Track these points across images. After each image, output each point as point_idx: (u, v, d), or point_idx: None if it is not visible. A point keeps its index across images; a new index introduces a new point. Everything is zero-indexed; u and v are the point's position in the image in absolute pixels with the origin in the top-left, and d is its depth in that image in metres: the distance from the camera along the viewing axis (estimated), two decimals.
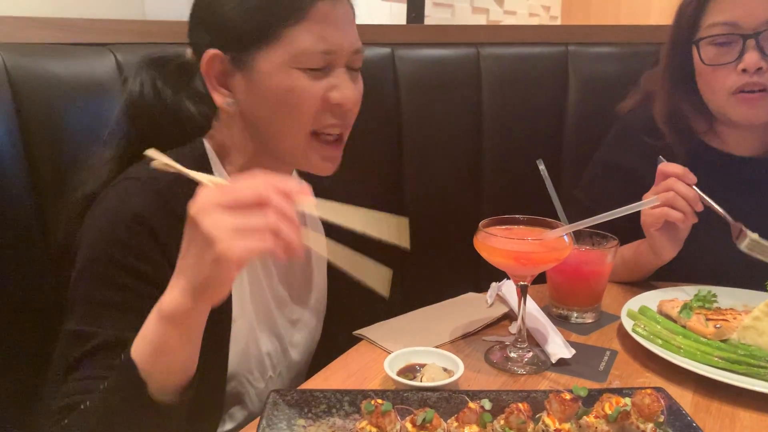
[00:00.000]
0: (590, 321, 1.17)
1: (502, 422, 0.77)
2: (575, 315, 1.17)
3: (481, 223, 1.00)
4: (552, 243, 0.96)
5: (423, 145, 1.74)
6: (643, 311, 1.13)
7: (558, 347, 1.03)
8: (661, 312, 1.14)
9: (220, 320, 0.92)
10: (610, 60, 1.81)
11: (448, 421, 0.77)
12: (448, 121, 1.76)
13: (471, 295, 1.28)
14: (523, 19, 4.22)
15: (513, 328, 1.12)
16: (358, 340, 1.09)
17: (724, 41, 1.21)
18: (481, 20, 3.68)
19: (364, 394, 0.84)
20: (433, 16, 3.06)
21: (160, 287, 0.75)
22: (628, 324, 1.08)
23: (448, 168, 1.77)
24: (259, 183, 0.69)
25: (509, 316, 1.17)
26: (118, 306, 0.83)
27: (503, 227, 1.01)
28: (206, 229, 0.67)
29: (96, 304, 0.84)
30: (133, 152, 0.94)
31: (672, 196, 1.14)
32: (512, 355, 1.02)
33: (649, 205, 0.92)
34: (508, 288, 1.21)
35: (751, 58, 1.17)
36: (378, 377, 0.96)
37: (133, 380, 0.73)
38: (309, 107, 0.92)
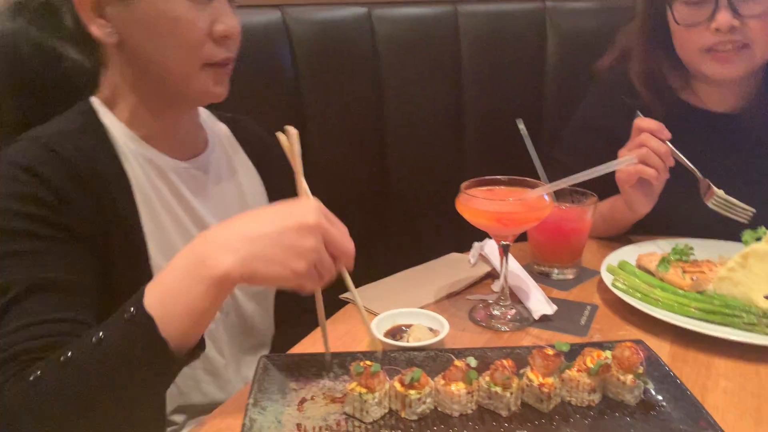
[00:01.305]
0: (571, 277, 1.20)
1: (487, 378, 0.79)
2: (556, 271, 1.20)
3: (463, 184, 1.00)
4: (533, 203, 0.97)
5: (403, 105, 1.73)
6: (623, 266, 1.16)
7: (540, 304, 1.05)
8: (639, 266, 1.17)
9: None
10: (588, 15, 1.80)
11: (435, 379, 0.80)
12: (428, 80, 1.75)
13: (454, 255, 1.30)
14: None
15: (496, 286, 1.14)
16: (344, 303, 1.11)
17: (697, 0, 1.21)
18: None
19: (353, 356, 0.86)
20: None
21: (61, 228, 0.82)
22: (607, 279, 1.11)
23: (430, 128, 1.77)
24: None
25: (492, 275, 1.19)
26: (27, 253, 0.82)
27: (485, 188, 1.02)
28: (309, 247, 0.75)
29: (6, 256, 0.82)
30: (26, 117, 0.94)
31: (645, 152, 1.15)
32: (495, 312, 1.05)
33: (625, 164, 0.93)
34: (490, 247, 1.23)
35: (724, 17, 1.17)
36: (366, 339, 0.98)
37: (152, 338, 0.72)
38: (196, 38, 0.90)
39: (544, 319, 1.04)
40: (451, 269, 1.22)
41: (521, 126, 1.21)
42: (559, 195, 1.20)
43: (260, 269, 0.74)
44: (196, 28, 0.89)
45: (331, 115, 1.68)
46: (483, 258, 1.23)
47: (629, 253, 1.20)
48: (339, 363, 0.86)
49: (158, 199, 0.96)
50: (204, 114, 1.11)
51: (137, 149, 0.95)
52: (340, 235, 0.78)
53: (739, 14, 1.18)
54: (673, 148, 1.18)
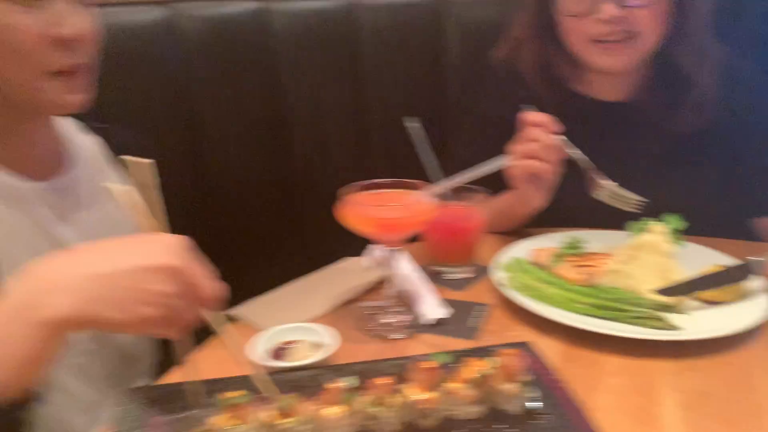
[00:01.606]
0: (466, 276, 1.17)
1: (367, 398, 0.75)
2: (451, 271, 1.17)
3: (342, 189, 0.96)
4: (417, 206, 0.94)
5: (303, 103, 1.68)
6: (516, 262, 1.14)
7: (431, 308, 1.02)
8: (533, 261, 1.16)
9: None
10: (490, 6, 1.78)
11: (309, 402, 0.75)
12: (327, 77, 1.69)
13: (348, 260, 1.25)
14: None
15: (388, 291, 1.10)
16: (233, 320, 1.05)
17: None
18: None
19: (222, 384, 0.80)
20: None
21: None
22: (498, 277, 1.09)
23: (332, 126, 1.72)
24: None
25: (388, 280, 1.16)
26: None
27: (368, 193, 0.98)
28: (161, 291, 0.65)
29: None
30: None
31: (535, 147, 1.14)
32: (387, 320, 1.01)
33: (503, 165, 0.91)
34: (385, 250, 1.19)
35: (609, 8, 1.17)
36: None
37: None
38: (30, 45, 0.81)
39: (437, 323, 1.01)
40: (346, 276, 1.17)
41: (411, 125, 1.17)
42: (452, 194, 1.18)
43: (102, 314, 0.64)
44: (28, 35, 0.80)
45: (225, 116, 1.60)
46: (378, 261, 1.19)
47: (523, 249, 1.19)
48: (209, 391, 0.80)
49: (10, 232, 0.86)
50: (69, 126, 1.01)
51: None
52: (203, 277, 0.69)
53: (625, 4, 1.17)
54: (565, 139, 1.16)
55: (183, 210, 1.62)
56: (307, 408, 0.73)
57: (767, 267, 0.99)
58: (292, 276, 1.19)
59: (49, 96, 0.85)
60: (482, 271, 1.18)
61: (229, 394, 0.72)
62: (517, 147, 1.15)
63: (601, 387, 0.85)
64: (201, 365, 0.82)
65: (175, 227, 1.60)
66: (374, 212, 0.91)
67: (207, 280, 0.70)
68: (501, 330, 1.00)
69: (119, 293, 0.65)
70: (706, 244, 1.18)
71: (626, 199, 1.17)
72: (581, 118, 1.34)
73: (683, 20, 1.23)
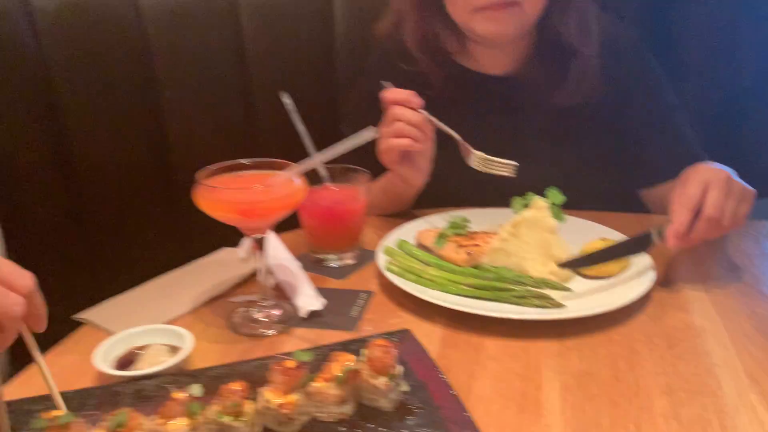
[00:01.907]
0: (351, 262, 1.10)
1: (217, 409, 0.66)
2: (334, 258, 1.09)
3: (199, 173, 0.86)
4: (281, 188, 0.85)
5: (180, 83, 1.55)
6: (401, 246, 1.08)
7: (307, 299, 0.94)
8: (419, 244, 1.10)
9: None
10: None
11: (151, 416, 0.65)
12: (207, 57, 1.57)
13: (224, 251, 1.15)
14: None
15: (265, 283, 1.01)
16: (79, 324, 0.93)
17: None
18: None
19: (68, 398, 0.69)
20: None
21: None
22: (383, 262, 1.02)
23: (216, 108, 1.61)
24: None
25: (261, 271, 1.07)
26: None
27: (230, 175, 0.88)
28: None
29: None
30: None
31: (399, 126, 1.08)
32: (257, 315, 0.92)
33: (367, 139, 0.84)
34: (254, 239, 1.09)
35: None
36: (95, 369, 0.81)
37: None
38: None
39: (313, 315, 0.93)
40: (218, 268, 1.07)
41: (287, 100, 1.09)
42: (332, 177, 1.10)
43: None
44: None
45: (92, 100, 1.46)
46: (249, 255, 1.10)
47: (409, 231, 1.13)
48: (38, 410, 0.69)
49: None
50: None
51: None
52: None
53: None
54: (428, 114, 1.10)
55: (48, 204, 1.47)
56: (145, 424, 0.64)
57: (666, 236, 0.96)
58: (180, 261, 1.08)
59: None
60: (367, 257, 1.11)
61: (47, 415, 0.61)
62: (383, 128, 1.09)
63: (482, 372, 0.80)
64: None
65: (41, 224, 1.43)
66: (231, 196, 0.82)
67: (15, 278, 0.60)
68: (383, 318, 0.93)
69: None
70: (590, 218, 1.16)
71: (497, 164, 1.12)
72: (467, 91, 1.30)
73: None
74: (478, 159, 1.12)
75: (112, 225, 1.53)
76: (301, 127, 1.09)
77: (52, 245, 1.45)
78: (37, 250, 1.43)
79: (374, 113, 1.35)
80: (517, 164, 1.09)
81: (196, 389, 0.66)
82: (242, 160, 0.89)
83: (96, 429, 0.63)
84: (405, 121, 1.08)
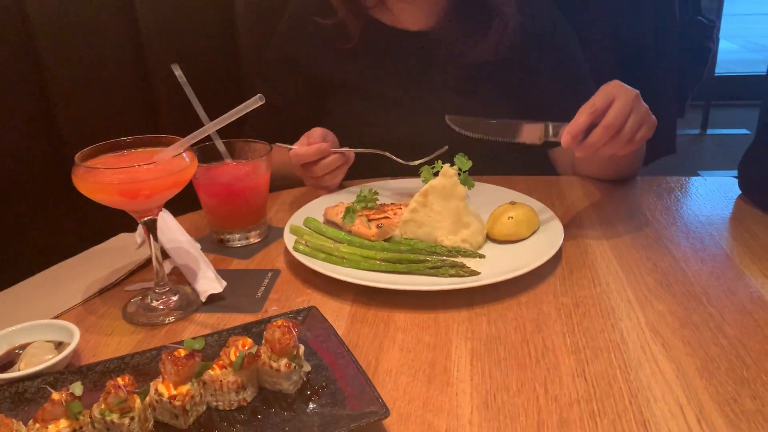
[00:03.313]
0: (257, 241, 1.05)
1: (101, 406, 0.61)
2: (237, 237, 1.04)
3: (78, 154, 0.79)
4: (165, 166, 0.79)
5: (67, 61, 1.45)
6: (308, 223, 1.04)
7: (208, 282, 0.89)
8: (327, 221, 1.06)
9: None
10: None
11: (29, 422, 0.59)
12: (95, 25, 1.48)
13: (123, 236, 1.08)
14: None
15: (162, 270, 0.95)
16: None
17: None
18: None
19: None
20: None
21: None
22: (289, 240, 0.98)
23: (107, 83, 1.52)
24: None
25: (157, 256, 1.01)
26: None
27: (112, 155, 0.82)
28: None
29: None
30: None
31: (313, 183, 1.18)
32: (153, 303, 0.86)
33: (254, 105, 0.79)
34: (162, 221, 1.03)
35: None
36: None
37: None
38: None
39: (215, 299, 0.88)
40: (113, 256, 1.00)
41: (177, 72, 1.02)
42: (233, 152, 1.05)
43: None
44: None
45: None
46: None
47: (317, 207, 1.09)
48: None
49: None
50: None
51: None
52: None
53: None
54: (341, 150, 1.16)
55: None
56: (30, 428, 0.58)
57: (561, 134, 0.96)
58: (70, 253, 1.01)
59: None
60: (273, 234, 1.07)
61: None
62: (307, 178, 1.18)
63: (390, 345, 0.77)
64: None
65: None
66: (110, 176, 0.75)
67: None
68: (290, 297, 0.90)
69: None
70: (499, 183, 1.16)
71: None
72: (383, 46, 1.29)
73: None
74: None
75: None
76: (193, 98, 1.03)
77: None
78: None
79: (285, 74, 1.33)
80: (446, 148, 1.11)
81: (76, 388, 0.60)
82: (124, 138, 0.82)
83: None
84: (324, 173, 1.14)
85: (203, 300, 0.87)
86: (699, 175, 1.18)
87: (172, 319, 0.85)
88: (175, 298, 0.87)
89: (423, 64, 1.29)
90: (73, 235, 1.48)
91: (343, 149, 1.15)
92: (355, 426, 0.60)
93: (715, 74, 4.70)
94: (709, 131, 4.64)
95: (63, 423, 0.59)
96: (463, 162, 1.01)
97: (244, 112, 0.77)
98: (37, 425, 0.59)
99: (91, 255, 1.03)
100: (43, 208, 1.45)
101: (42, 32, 1.41)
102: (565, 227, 1.00)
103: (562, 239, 0.96)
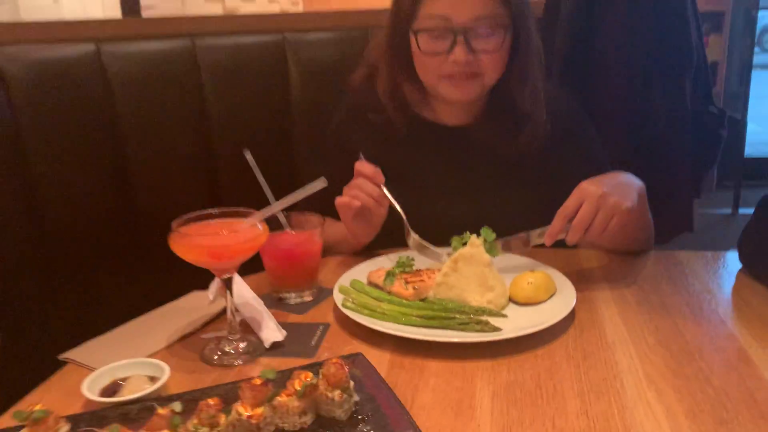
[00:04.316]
0: (309, 299, 1.22)
1: (195, 421, 0.77)
2: (294, 296, 1.21)
3: (174, 222, 0.98)
4: (245, 233, 0.98)
5: (145, 142, 1.68)
6: (354, 284, 1.20)
7: (271, 332, 1.06)
8: (370, 282, 1.23)
9: None
10: (325, 45, 1.88)
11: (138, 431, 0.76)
12: (170, 115, 1.71)
13: (194, 293, 1.26)
14: (264, 6, 4.22)
15: (233, 321, 1.12)
16: (63, 364, 1.02)
17: (438, 34, 1.31)
18: (216, 9, 3.62)
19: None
20: (159, 7, 2.94)
21: None
22: (338, 299, 1.15)
23: (178, 161, 1.73)
24: None
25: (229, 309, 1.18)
26: None
27: (199, 223, 1.01)
28: None
29: None
30: None
31: (357, 192, 1.28)
32: (226, 348, 1.03)
33: (319, 187, 0.98)
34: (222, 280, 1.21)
35: (460, 52, 1.30)
36: (81, 402, 0.91)
37: None
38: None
39: (276, 345, 1.05)
40: (189, 309, 1.18)
41: (248, 156, 1.22)
42: (290, 222, 1.23)
43: None
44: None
45: (62, 161, 1.57)
46: (221, 293, 1.21)
47: (361, 272, 1.26)
48: None
49: None
50: None
51: None
52: None
53: (473, 50, 1.30)
54: (385, 190, 1.30)
55: (19, 254, 1.55)
56: None
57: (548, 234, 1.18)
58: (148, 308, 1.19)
59: None
60: (324, 294, 1.24)
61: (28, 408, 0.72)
62: (345, 189, 1.28)
63: (424, 387, 0.92)
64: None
65: (14, 273, 1.50)
66: (201, 241, 0.94)
67: None
68: (338, 346, 1.05)
69: None
70: (521, 254, 1.31)
71: (430, 251, 1.31)
72: (425, 140, 1.47)
73: (519, 62, 1.38)
74: (414, 241, 1.30)
75: (85, 273, 1.62)
76: (261, 179, 1.22)
77: (33, 294, 1.53)
78: (18, 296, 1.50)
79: (342, 162, 1.52)
80: (444, 255, 1.26)
81: (177, 405, 0.77)
82: (210, 210, 1.01)
83: None
84: (363, 190, 1.28)
85: (267, 346, 1.04)
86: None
87: (240, 362, 1.01)
88: (243, 344, 1.04)
89: (460, 155, 1.47)
90: (147, 291, 1.66)
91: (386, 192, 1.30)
92: None
93: (745, 156, 4.81)
94: (741, 211, 4.71)
95: None
96: (488, 234, 1.18)
97: (310, 193, 0.96)
98: None
99: (170, 309, 1.21)
100: (123, 268, 1.65)
101: (124, 113, 1.64)
102: (578, 291, 1.14)
103: (575, 302, 1.10)
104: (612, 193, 1.16)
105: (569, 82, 1.77)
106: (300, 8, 4.75)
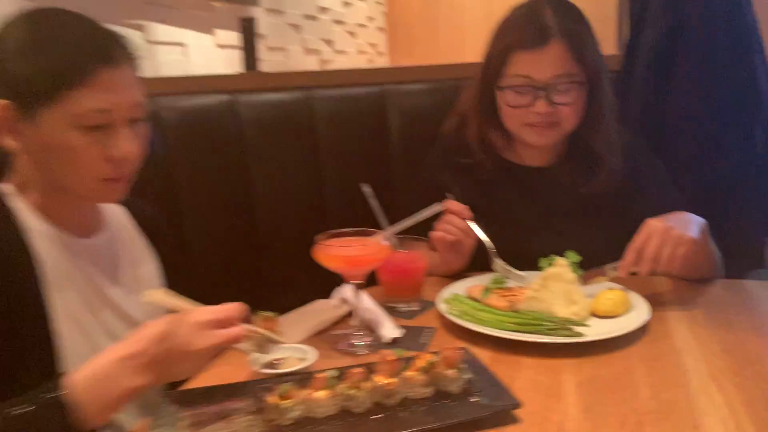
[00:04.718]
0: (416, 309, 1.44)
1: (344, 384, 1.00)
2: (403, 306, 1.44)
3: (317, 237, 1.23)
4: (374, 247, 1.22)
5: (268, 177, 1.97)
6: (455, 296, 1.42)
7: (389, 330, 1.29)
8: (469, 296, 1.44)
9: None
10: (421, 95, 2.14)
11: (304, 392, 0.99)
12: (290, 157, 2.00)
13: (319, 301, 1.50)
14: (353, 57, 4.59)
15: (354, 321, 1.36)
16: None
17: (522, 90, 1.55)
18: (313, 61, 3.98)
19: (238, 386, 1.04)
20: (268, 59, 3.31)
21: None
22: (442, 307, 1.37)
23: (294, 195, 2.01)
24: None
25: (351, 313, 1.42)
26: None
27: (336, 239, 1.26)
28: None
29: None
30: None
31: (448, 227, 1.50)
32: (354, 341, 1.27)
33: (437, 211, 1.21)
34: (347, 292, 1.45)
35: (541, 106, 1.53)
36: (243, 375, 1.15)
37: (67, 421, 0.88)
38: (88, 164, 1.04)
39: (394, 341, 1.27)
40: (318, 312, 1.42)
41: (366, 189, 1.47)
42: (401, 243, 1.47)
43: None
44: (90, 156, 1.03)
45: (202, 193, 1.87)
46: (343, 301, 1.45)
47: (460, 287, 1.48)
48: (225, 393, 1.04)
49: (67, 280, 1.09)
50: None
51: (42, 227, 1.09)
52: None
53: (552, 103, 1.53)
54: (473, 225, 1.51)
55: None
56: (300, 394, 0.98)
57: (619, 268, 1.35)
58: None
59: (97, 195, 1.12)
60: (428, 305, 1.46)
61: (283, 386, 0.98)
62: (438, 225, 1.50)
63: (519, 377, 1.12)
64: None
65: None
66: (339, 251, 1.19)
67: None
68: (445, 344, 1.26)
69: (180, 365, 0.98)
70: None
71: (514, 275, 1.51)
72: (509, 179, 1.68)
73: (593, 111, 1.61)
74: (498, 265, 1.50)
75: (219, 288, 1.89)
76: (377, 207, 1.47)
77: None
78: None
79: (432, 197, 1.74)
80: (526, 278, 1.46)
81: (333, 372, 1.00)
82: (345, 229, 1.27)
83: (269, 395, 0.97)
84: (453, 225, 1.49)
85: (387, 341, 1.27)
86: None
87: (365, 352, 1.24)
88: (368, 339, 1.27)
89: (540, 193, 1.67)
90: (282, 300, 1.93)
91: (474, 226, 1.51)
92: (500, 407, 0.96)
93: None
94: None
95: (323, 392, 0.98)
96: (573, 256, 1.38)
97: (426, 216, 1.19)
98: (308, 391, 0.98)
99: (303, 310, 1.46)
100: (244, 288, 1.92)
101: (252, 154, 1.93)
102: (653, 308, 1.32)
103: (649, 317, 1.28)
104: (676, 227, 1.34)
105: (644, 128, 1.95)
106: (386, 59, 5.11)
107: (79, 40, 1.04)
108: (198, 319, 0.97)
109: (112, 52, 1.05)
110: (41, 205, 1.09)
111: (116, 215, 1.25)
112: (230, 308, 1.00)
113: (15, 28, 1.03)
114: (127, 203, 1.29)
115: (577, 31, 1.56)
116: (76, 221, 1.14)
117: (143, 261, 1.26)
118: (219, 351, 1.00)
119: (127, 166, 1.09)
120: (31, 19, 1.05)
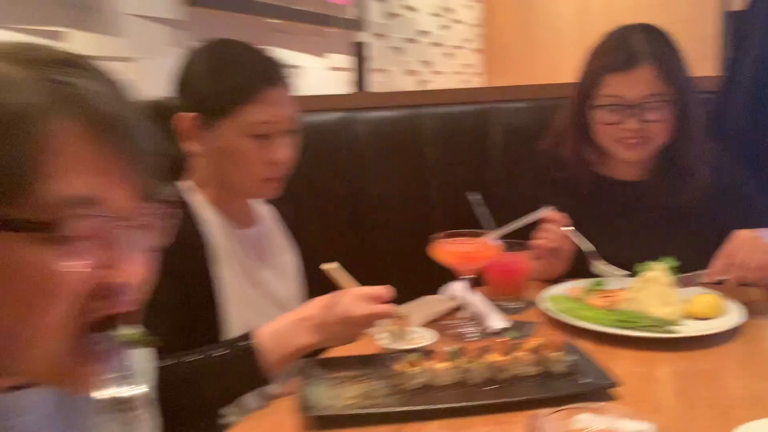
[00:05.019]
0: (520, 306, 1.58)
1: (465, 358, 1.16)
2: (506, 304, 1.58)
3: (435, 236, 1.41)
4: (484, 245, 1.38)
5: (380, 188, 2.16)
6: (557, 296, 1.55)
7: (497, 321, 1.43)
8: (569, 296, 1.57)
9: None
10: (522, 112, 2.28)
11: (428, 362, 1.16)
12: (399, 168, 2.18)
13: (428, 296, 1.67)
14: (450, 77, 4.78)
15: (462, 314, 1.51)
16: None
17: (614, 109, 1.68)
18: (411, 81, 4.20)
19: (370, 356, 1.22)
20: (372, 80, 3.54)
21: None
22: (545, 305, 1.50)
23: (403, 204, 2.19)
24: None
25: (460, 307, 1.57)
26: None
27: (450, 239, 1.43)
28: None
29: None
30: None
31: (547, 236, 1.62)
32: (465, 330, 1.42)
33: (534, 219, 1.37)
34: (455, 288, 1.61)
35: (632, 123, 1.66)
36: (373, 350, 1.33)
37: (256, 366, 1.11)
38: (254, 165, 1.26)
39: (501, 331, 1.42)
40: (429, 305, 1.59)
41: (473, 197, 1.63)
42: (508, 246, 1.61)
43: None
44: (256, 159, 1.26)
45: (320, 198, 2.09)
46: (451, 296, 1.61)
47: (560, 288, 1.60)
48: (361, 362, 1.22)
49: (231, 255, 1.32)
50: None
51: (214, 218, 1.32)
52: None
53: (643, 120, 1.65)
54: (571, 230, 1.63)
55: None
56: (426, 363, 1.14)
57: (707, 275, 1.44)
58: None
59: (259, 192, 1.36)
60: (530, 304, 1.59)
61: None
62: (538, 233, 1.62)
63: (616, 366, 1.23)
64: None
65: None
66: (455, 247, 1.36)
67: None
68: (548, 336, 1.40)
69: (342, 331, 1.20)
70: None
71: (614, 273, 1.62)
72: (603, 192, 1.80)
73: (682, 128, 1.71)
74: (598, 267, 1.62)
75: None
76: (485, 214, 1.62)
77: None
78: None
79: (529, 209, 1.88)
80: (629, 273, 1.57)
81: (454, 347, 1.16)
82: (457, 231, 1.43)
83: (397, 364, 1.14)
84: (553, 233, 1.61)
85: (495, 330, 1.41)
86: None
87: (476, 337, 1.40)
88: (477, 328, 1.43)
89: (633, 205, 1.77)
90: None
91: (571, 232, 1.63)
92: (600, 384, 1.09)
93: None
94: None
95: (444, 364, 1.14)
96: (670, 261, 1.48)
97: (532, 220, 1.34)
98: (434, 361, 1.15)
99: (415, 304, 1.62)
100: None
101: (366, 163, 2.13)
102: (747, 311, 1.40)
103: (744, 320, 1.36)
104: (763, 236, 1.42)
105: (742, 145, 2.00)
106: (481, 79, 5.27)
107: (250, 65, 1.27)
108: (357, 292, 1.18)
109: (275, 74, 1.27)
110: (215, 199, 1.33)
111: (265, 213, 1.47)
112: (381, 288, 1.21)
113: (201, 56, 1.28)
114: (269, 202, 1.51)
115: (666, 55, 1.67)
116: (240, 214, 1.37)
117: (285, 251, 1.47)
118: (370, 322, 1.20)
119: (282, 168, 1.31)
120: (213, 48, 1.30)
